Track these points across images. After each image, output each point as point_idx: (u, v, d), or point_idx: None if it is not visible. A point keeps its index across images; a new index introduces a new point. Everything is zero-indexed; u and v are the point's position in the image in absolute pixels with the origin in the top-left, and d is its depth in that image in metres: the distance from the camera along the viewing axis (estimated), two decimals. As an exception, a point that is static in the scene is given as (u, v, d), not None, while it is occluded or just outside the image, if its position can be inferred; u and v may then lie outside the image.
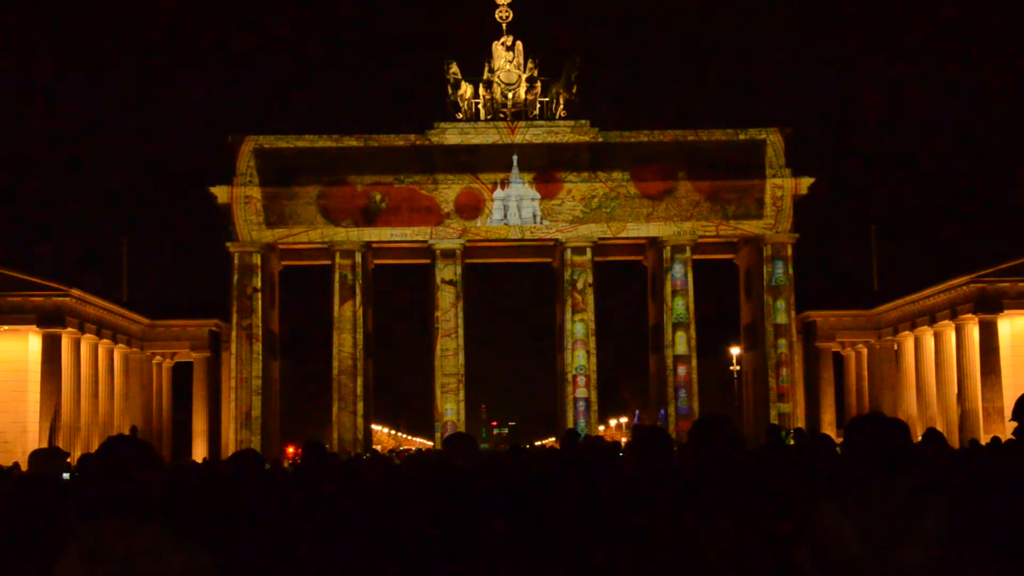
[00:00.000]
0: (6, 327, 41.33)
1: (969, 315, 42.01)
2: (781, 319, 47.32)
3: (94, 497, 4.00)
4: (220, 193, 47.49)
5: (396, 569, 6.95)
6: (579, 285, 47.67)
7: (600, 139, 47.94)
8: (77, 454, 32.82)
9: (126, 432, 44.81)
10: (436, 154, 47.68)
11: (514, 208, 47.54)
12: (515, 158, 47.45)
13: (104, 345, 45.33)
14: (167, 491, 4.22)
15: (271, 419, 48.37)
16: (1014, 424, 6.50)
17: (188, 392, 51.89)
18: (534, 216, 47.47)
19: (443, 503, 7.05)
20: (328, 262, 48.44)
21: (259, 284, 47.42)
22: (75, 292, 41.67)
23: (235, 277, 47.42)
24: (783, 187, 47.45)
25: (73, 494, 7.68)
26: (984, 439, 29.26)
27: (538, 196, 47.49)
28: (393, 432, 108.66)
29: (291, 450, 49.61)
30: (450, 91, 48.31)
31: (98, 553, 3.88)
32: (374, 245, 48.67)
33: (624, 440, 56.32)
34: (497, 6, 49.06)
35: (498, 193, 47.45)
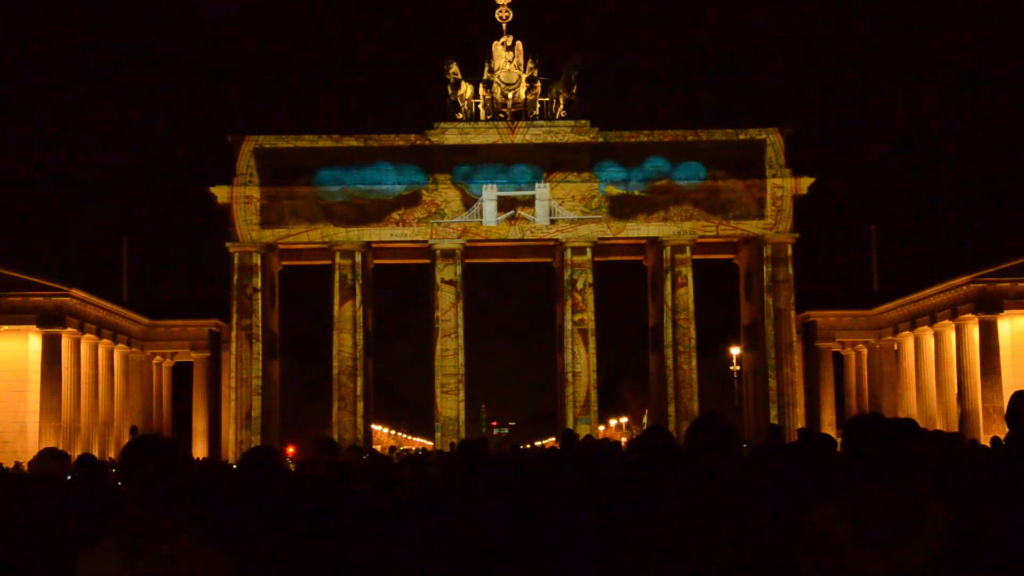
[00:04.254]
0: (6, 327, 41.31)
1: (969, 315, 41.99)
2: (781, 319, 47.35)
3: (133, 495, 3.99)
4: (220, 193, 47.50)
5: (402, 568, 6.96)
6: (579, 285, 47.68)
7: (600, 139, 47.94)
8: (77, 454, 32.82)
9: (126, 432, 44.85)
10: (436, 154, 47.69)
11: (514, 208, 47.56)
12: (515, 158, 47.50)
13: (104, 345, 45.31)
14: (195, 492, 4.25)
15: (271, 419, 48.36)
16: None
17: (188, 392, 51.87)
18: (534, 216, 47.47)
19: (447, 503, 7.06)
20: (328, 262, 48.45)
21: (259, 284, 47.43)
22: (75, 292, 41.66)
23: (235, 277, 47.43)
24: (783, 187, 47.46)
25: (74, 494, 7.67)
26: (984, 439, 29.27)
27: (538, 196, 47.49)
28: (393, 432, 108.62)
29: (291, 450, 49.60)
30: (450, 91, 48.31)
31: (140, 551, 3.88)
32: (374, 245, 48.68)
33: (624, 440, 56.27)
34: (497, 6, 49.06)
35: (498, 193, 47.45)
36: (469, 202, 47.54)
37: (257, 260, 47.51)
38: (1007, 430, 6.61)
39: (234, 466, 20.89)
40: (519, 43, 48.72)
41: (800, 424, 43.72)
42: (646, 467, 6.27)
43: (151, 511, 3.94)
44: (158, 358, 52.10)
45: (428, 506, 7.28)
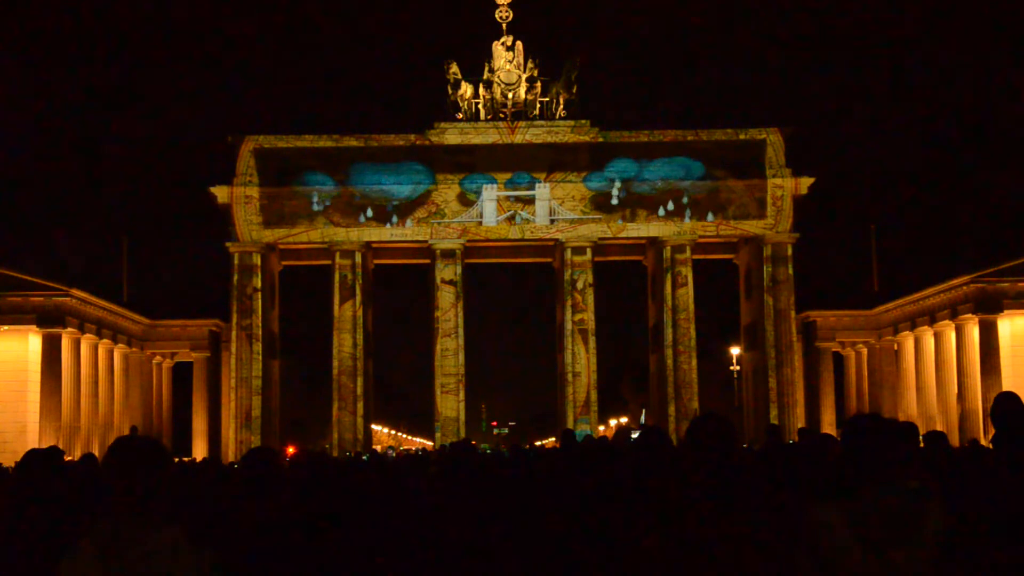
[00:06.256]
0: (6, 327, 41.30)
1: (969, 315, 41.98)
2: (781, 319, 47.35)
3: (112, 496, 4.01)
4: (220, 193, 47.52)
5: (398, 569, 6.96)
6: (579, 285, 47.69)
7: (600, 139, 47.95)
8: (77, 454, 32.81)
9: (126, 432, 44.83)
10: (436, 154, 47.70)
11: (514, 208, 47.59)
12: (515, 158, 47.55)
13: (104, 345, 45.30)
14: (178, 491, 4.26)
15: (271, 419, 48.38)
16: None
17: (188, 392, 51.85)
18: (534, 216, 47.49)
19: (447, 503, 7.06)
20: (328, 262, 48.47)
21: (259, 284, 47.46)
22: (75, 292, 41.65)
23: (235, 277, 47.46)
24: (783, 187, 47.48)
25: (72, 492, 7.67)
26: (984, 439, 29.28)
27: (538, 196, 47.51)
28: (393, 432, 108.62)
29: (291, 450, 49.58)
30: (450, 91, 48.33)
31: (116, 551, 3.89)
32: (374, 245, 48.69)
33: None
34: (497, 6, 49.09)
35: (498, 193, 47.48)
36: (469, 202, 47.56)
37: (257, 260, 47.53)
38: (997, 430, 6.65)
39: (234, 465, 20.90)
40: (519, 43, 48.76)
41: (800, 424, 43.72)
42: (645, 467, 6.28)
43: (128, 511, 3.96)
44: (158, 358, 52.09)
45: (424, 505, 7.28)
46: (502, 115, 48.26)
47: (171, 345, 51.34)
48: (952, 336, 43.71)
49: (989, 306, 41.37)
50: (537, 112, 48.38)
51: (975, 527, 5.70)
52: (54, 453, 8.47)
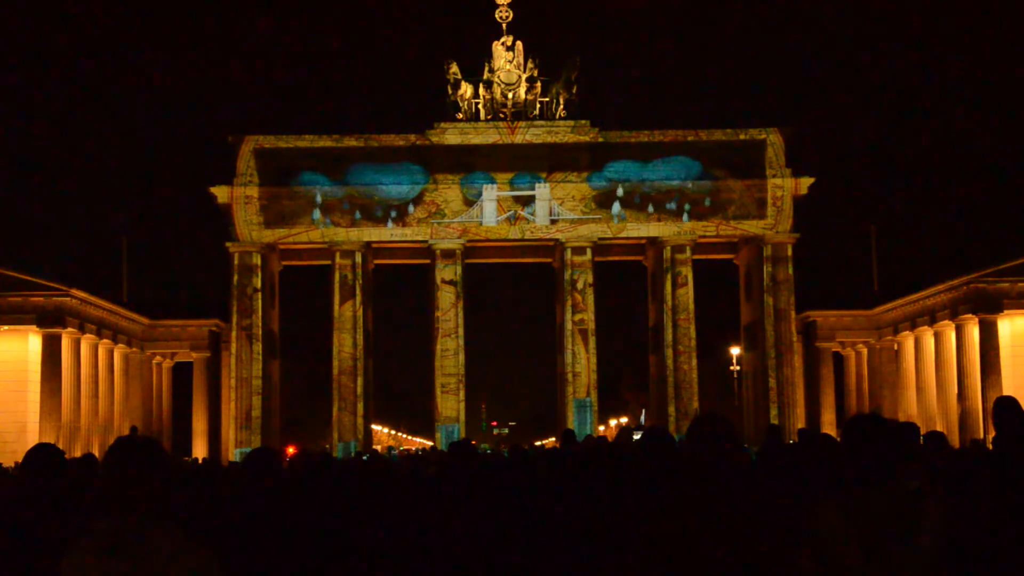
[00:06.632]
0: (6, 327, 41.29)
1: (969, 315, 41.98)
2: (781, 319, 47.36)
3: (112, 495, 4.02)
4: (220, 193, 47.52)
5: (399, 570, 6.96)
6: (579, 285, 47.70)
7: (600, 139, 47.97)
8: (77, 454, 32.79)
9: (126, 432, 44.80)
10: (436, 154, 47.71)
11: (514, 208, 47.60)
12: (515, 158, 47.57)
13: (104, 345, 45.29)
14: (176, 490, 4.26)
15: (271, 419, 48.39)
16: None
17: (188, 392, 51.82)
18: (534, 216, 47.50)
19: (447, 503, 7.06)
20: (328, 262, 48.48)
21: (259, 284, 47.47)
22: (75, 292, 41.63)
23: (235, 277, 47.47)
24: (783, 187, 47.48)
25: (72, 492, 7.67)
26: (986, 439, 29.27)
27: (538, 196, 47.52)
28: (393, 432, 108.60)
29: (291, 450, 49.56)
30: (450, 91, 48.35)
31: (114, 550, 3.91)
32: (374, 245, 48.69)
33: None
34: (497, 6, 49.12)
35: (498, 193, 47.49)
36: (469, 202, 47.57)
37: (257, 260, 47.55)
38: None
39: (235, 465, 20.90)
40: (519, 43, 48.78)
41: (800, 424, 43.75)
42: (647, 466, 6.28)
43: (127, 510, 3.97)
44: (158, 358, 52.07)
45: (424, 505, 7.28)
46: (502, 115, 48.27)
47: (171, 345, 51.30)
48: (952, 336, 43.71)
49: (989, 306, 41.35)
50: (537, 112, 48.40)
51: (975, 527, 5.71)
52: (55, 452, 8.47)
